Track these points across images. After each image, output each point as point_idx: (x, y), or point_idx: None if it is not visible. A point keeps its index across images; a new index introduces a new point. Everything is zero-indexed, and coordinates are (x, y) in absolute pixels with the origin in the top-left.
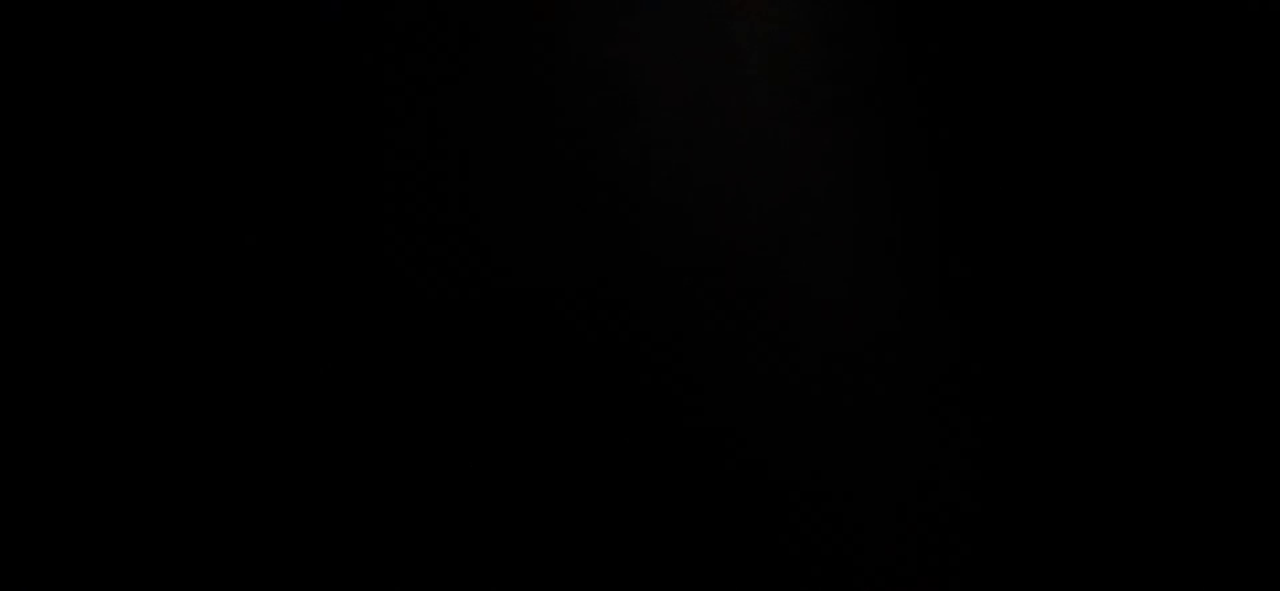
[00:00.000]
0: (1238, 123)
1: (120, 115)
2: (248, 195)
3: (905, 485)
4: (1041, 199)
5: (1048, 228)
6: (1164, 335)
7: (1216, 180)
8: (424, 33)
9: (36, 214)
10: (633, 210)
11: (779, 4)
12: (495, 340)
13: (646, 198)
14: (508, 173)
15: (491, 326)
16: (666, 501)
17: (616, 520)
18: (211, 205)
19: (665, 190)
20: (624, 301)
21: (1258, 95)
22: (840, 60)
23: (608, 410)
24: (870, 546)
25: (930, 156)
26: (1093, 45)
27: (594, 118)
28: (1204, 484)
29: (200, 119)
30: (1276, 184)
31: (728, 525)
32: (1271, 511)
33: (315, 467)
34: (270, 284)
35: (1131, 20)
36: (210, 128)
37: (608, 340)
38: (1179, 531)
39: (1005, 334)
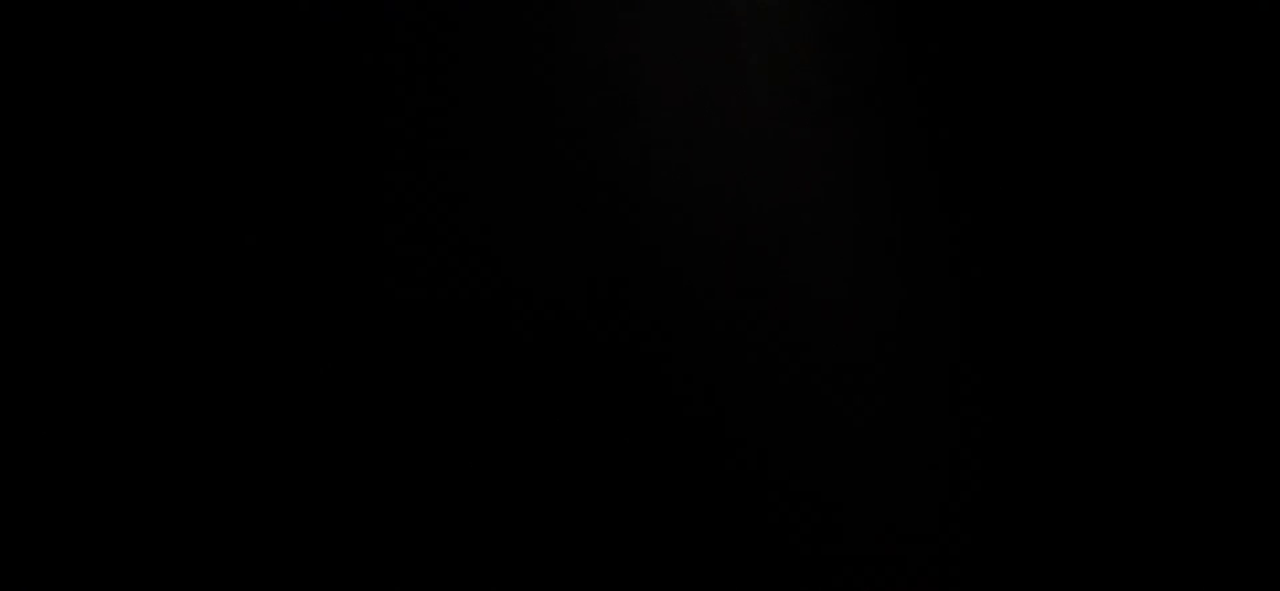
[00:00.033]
0: (1238, 123)
1: (120, 115)
2: (248, 195)
3: (905, 483)
4: (1041, 199)
5: (1047, 227)
6: (1163, 334)
7: (1216, 180)
8: (424, 33)
9: (37, 214)
10: (633, 210)
11: (779, 4)
12: (495, 338)
13: (647, 198)
14: (508, 172)
15: (491, 325)
16: (666, 499)
17: (616, 517)
18: (212, 205)
19: (665, 190)
20: (624, 300)
21: (1258, 95)
22: (840, 60)
23: (608, 408)
24: (870, 544)
25: (930, 156)
26: (1092, 45)
27: (594, 118)
28: (1204, 483)
29: (201, 119)
30: (1276, 184)
31: (727, 522)
32: (1271, 511)
33: (316, 466)
34: (270, 283)
35: (1131, 20)
36: (211, 128)
37: (608, 339)
38: (1179, 531)
39: (1004, 333)
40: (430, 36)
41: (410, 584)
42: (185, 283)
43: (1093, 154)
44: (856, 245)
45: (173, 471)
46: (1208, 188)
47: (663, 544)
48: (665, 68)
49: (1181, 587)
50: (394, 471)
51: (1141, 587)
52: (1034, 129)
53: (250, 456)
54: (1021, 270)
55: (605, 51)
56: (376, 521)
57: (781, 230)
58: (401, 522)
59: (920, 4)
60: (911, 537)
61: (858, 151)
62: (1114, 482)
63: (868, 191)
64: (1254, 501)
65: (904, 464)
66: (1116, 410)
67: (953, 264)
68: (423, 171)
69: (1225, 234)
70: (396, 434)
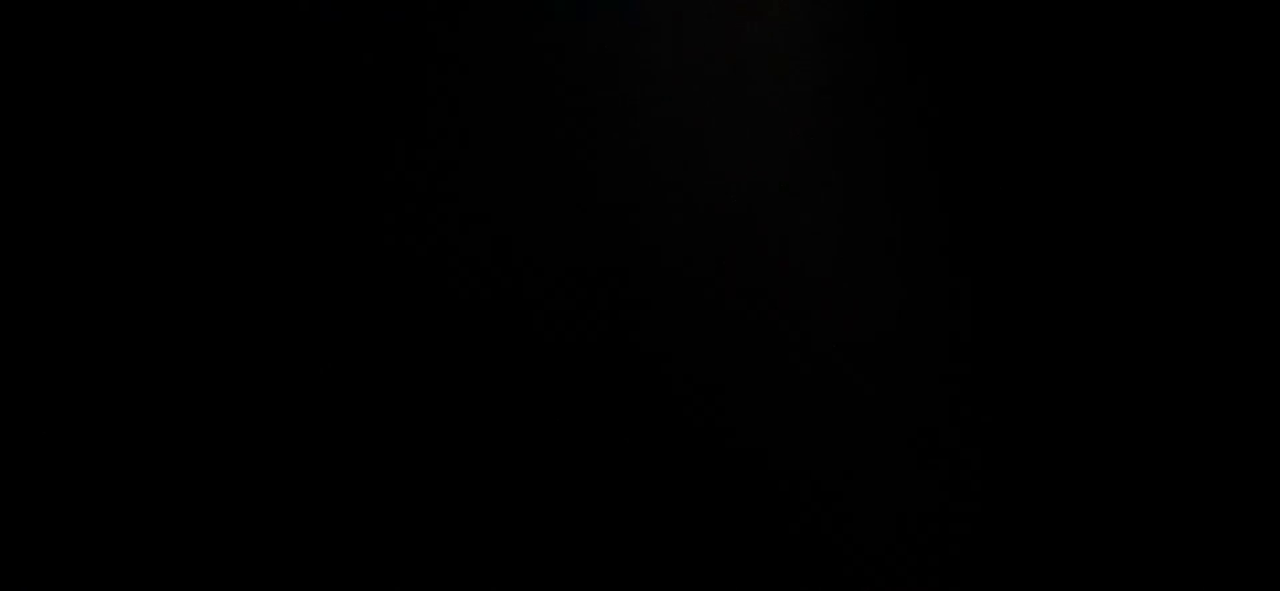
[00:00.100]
0: (1238, 123)
1: (121, 115)
2: (248, 195)
3: (904, 481)
4: (1041, 199)
5: (1047, 227)
6: (1163, 334)
7: (1216, 180)
8: (424, 32)
9: (37, 214)
10: (634, 208)
11: (780, 4)
12: (495, 337)
13: (647, 196)
14: (509, 171)
15: (491, 324)
16: (666, 496)
17: (616, 515)
18: (212, 204)
19: (666, 189)
20: (624, 299)
21: (1258, 95)
22: (840, 60)
23: (608, 406)
24: (869, 542)
25: (930, 156)
26: (1092, 45)
27: (595, 117)
28: (1203, 483)
29: (201, 119)
30: (1276, 184)
31: (727, 519)
32: (1272, 511)
33: (316, 465)
34: (270, 283)
35: (1131, 20)
36: (211, 128)
37: (608, 337)
38: (1178, 530)
39: (1003, 328)
40: (430, 36)
41: (410, 583)
42: (185, 282)
43: (1092, 151)
44: (856, 242)
45: (173, 471)
46: (1207, 186)
47: (663, 539)
48: (666, 67)
49: (1181, 587)
50: (394, 468)
51: (1141, 587)
52: (1033, 126)
53: (250, 456)
54: (1020, 266)
55: (606, 49)
56: (377, 519)
57: (782, 229)
58: (402, 520)
59: (920, 4)
60: (911, 534)
61: (857, 151)
62: (1115, 481)
63: (867, 191)
64: (1254, 501)
65: (903, 460)
66: (1117, 408)
67: (952, 259)
68: (423, 170)
69: (1224, 233)
70: (397, 430)
